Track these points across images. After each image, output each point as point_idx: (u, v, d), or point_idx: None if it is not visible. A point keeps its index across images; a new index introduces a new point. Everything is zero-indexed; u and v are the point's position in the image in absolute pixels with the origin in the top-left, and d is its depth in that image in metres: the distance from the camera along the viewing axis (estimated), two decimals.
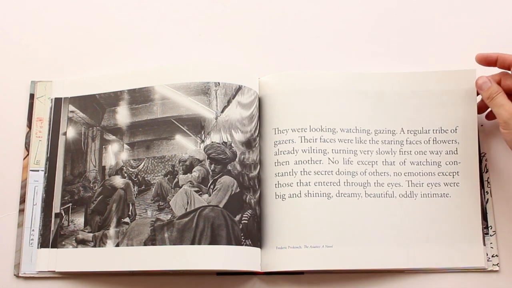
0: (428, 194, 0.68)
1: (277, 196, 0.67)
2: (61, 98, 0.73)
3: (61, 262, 0.67)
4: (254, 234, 0.66)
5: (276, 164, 0.68)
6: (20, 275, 0.67)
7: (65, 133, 0.72)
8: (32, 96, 0.73)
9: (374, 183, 0.68)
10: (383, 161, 0.68)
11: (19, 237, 0.69)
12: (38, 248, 0.68)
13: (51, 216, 0.69)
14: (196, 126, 0.68)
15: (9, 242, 0.69)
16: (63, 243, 0.68)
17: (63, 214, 0.69)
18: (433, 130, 0.69)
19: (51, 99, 0.73)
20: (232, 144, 0.67)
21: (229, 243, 0.64)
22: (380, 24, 0.77)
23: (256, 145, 0.68)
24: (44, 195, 0.70)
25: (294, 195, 0.66)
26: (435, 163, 0.68)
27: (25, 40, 0.76)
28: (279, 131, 0.68)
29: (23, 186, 0.70)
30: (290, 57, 0.76)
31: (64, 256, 0.67)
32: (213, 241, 0.63)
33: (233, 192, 0.66)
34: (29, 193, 0.70)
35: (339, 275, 0.67)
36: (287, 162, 0.67)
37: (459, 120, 0.69)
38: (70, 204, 0.70)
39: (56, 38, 0.77)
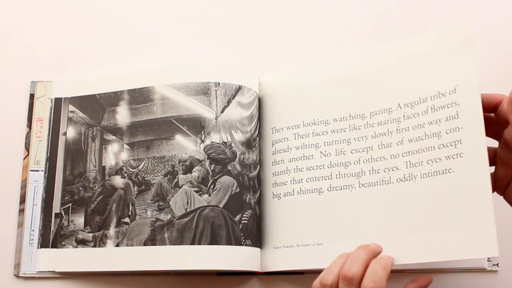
0: (428, 173, 0.60)
1: (273, 196, 0.67)
2: (61, 98, 0.73)
3: (61, 262, 0.67)
4: (253, 234, 0.66)
5: (273, 163, 0.68)
6: (20, 275, 0.68)
7: (65, 133, 0.72)
8: (32, 96, 0.73)
9: (369, 170, 0.63)
10: (379, 145, 0.64)
11: (19, 237, 0.69)
12: (38, 248, 0.68)
13: (51, 216, 0.69)
14: (196, 126, 0.68)
15: (9, 242, 0.69)
16: (63, 243, 0.68)
17: (63, 214, 0.69)
18: (431, 97, 0.61)
19: (51, 99, 0.73)
20: (232, 144, 0.67)
21: (229, 243, 0.64)
22: (380, 24, 0.77)
23: (256, 145, 0.68)
24: (44, 195, 0.70)
25: (288, 193, 0.66)
26: (434, 134, 0.60)
27: (25, 40, 0.76)
28: (276, 130, 0.68)
29: (23, 186, 0.70)
30: (290, 57, 0.76)
31: (64, 256, 0.68)
32: (213, 241, 0.63)
33: (233, 192, 0.66)
34: (29, 193, 0.70)
35: None
36: (282, 161, 0.67)
37: (457, 78, 0.59)
38: (70, 204, 0.70)
39: (56, 38, 0.77)
